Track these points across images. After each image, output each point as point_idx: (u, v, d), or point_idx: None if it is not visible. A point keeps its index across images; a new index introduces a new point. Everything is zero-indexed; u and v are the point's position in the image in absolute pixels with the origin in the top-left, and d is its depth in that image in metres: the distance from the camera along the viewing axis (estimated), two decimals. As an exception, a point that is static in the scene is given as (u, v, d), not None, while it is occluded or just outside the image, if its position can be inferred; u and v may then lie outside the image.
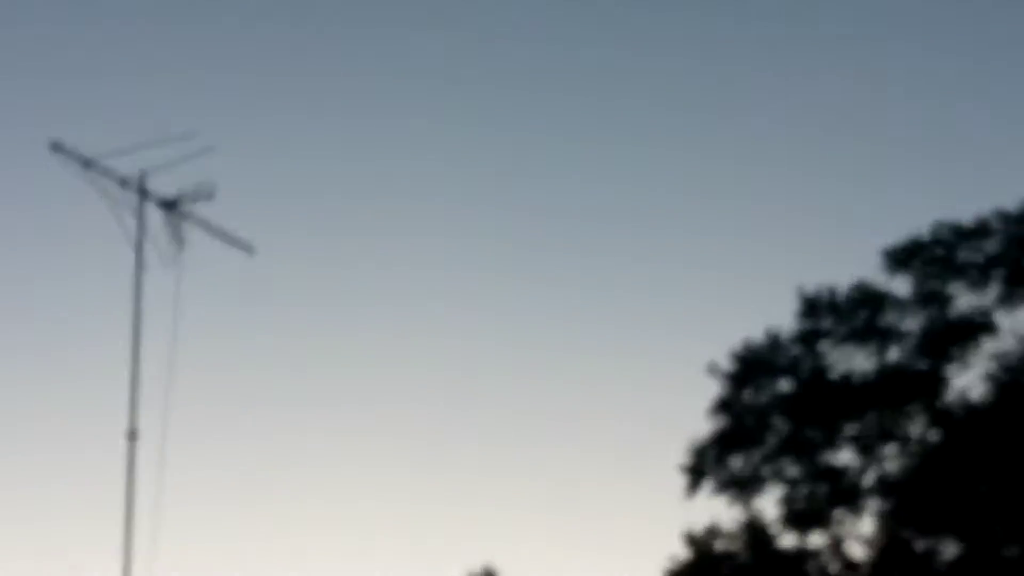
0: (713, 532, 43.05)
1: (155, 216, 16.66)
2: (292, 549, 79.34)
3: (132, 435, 15.30)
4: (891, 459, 36.90)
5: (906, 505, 35.96)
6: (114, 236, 16.13)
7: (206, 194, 16.69)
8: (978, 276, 36.41)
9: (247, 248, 17.01)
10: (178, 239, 16.57)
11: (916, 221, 44.91)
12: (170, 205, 16.83)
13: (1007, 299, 36.15)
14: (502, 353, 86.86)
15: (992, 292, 36.42)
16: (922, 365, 36.66)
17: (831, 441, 37.02)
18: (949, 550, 35.60)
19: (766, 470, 37.61)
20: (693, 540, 43.95)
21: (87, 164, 16.48)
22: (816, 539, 38.07)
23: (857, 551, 37.96)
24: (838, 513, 36.92)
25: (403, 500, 79.64)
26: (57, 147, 16.39)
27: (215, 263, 17.54)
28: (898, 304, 37.02)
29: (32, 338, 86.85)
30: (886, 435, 36.58)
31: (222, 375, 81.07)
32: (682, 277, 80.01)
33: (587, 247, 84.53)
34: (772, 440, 37.58)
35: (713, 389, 38.58)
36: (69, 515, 75.40)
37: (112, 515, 15.20)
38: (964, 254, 36.47)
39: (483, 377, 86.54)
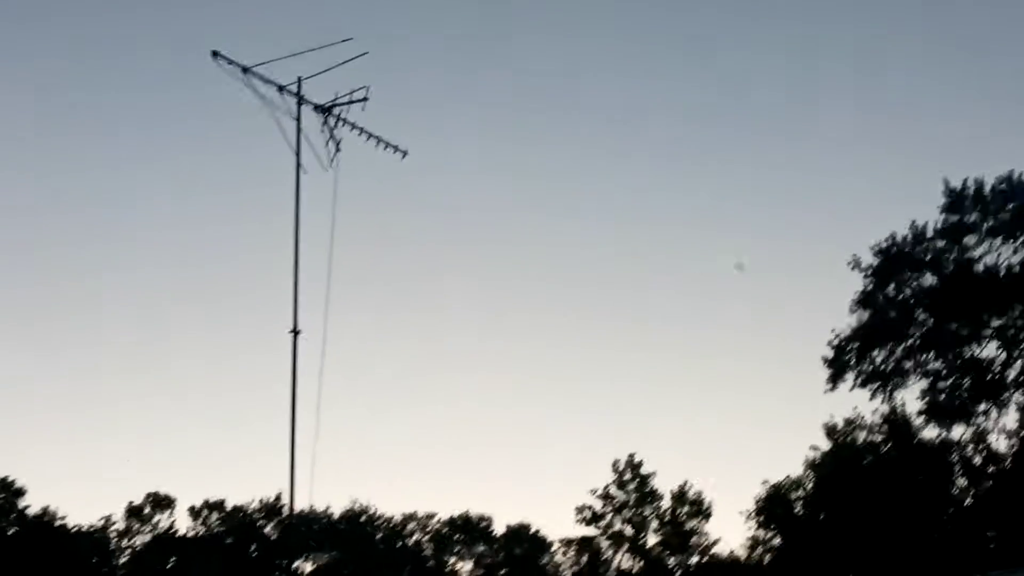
0: (854, 424, 43.27)
1: (312, 120, 17.21)
2: (443, 433, 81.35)
3: (295, 332, 16.10)
4: (1037, 353, 36.64)
5: (1052, 399, 35.79)
6: (273, 140, 16.69)
7: (360, 99, 17.22)
8: None
9: (401, 151, 17.54)
10: (334, 142, 17.16)
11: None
12: (326, 110, 17.37)
13: None
14: (647, 248, 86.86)
15: None
16: (1071, 258, 36.21)
17: (975, 335, 36.81)
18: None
19: (909, 364, 37.60)
20: (834, 432, 44.24)
21: (246, 71, 17.02)
22: (959, 432, 38.11)
23: (1001, 444, 37.93)
24: (982, 406, 36.84)
25: (554, 391, 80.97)
26: (217, 55, 16.92)
27: (370, 166, 18.09)
28: (1047, 196, 36.51)
29: (198, 238, 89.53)
30: (1032, 329, 36.27)
31: (377, 273, 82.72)
32: (827, 170, 79.05)
33: (734, 148, 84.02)
34: (915, 334, 37.50)
35: (856, 283, 38.57)
36: (240, 404, 78.76)
37: (278, 404, 16.08)
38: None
39: (627, 271, 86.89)
